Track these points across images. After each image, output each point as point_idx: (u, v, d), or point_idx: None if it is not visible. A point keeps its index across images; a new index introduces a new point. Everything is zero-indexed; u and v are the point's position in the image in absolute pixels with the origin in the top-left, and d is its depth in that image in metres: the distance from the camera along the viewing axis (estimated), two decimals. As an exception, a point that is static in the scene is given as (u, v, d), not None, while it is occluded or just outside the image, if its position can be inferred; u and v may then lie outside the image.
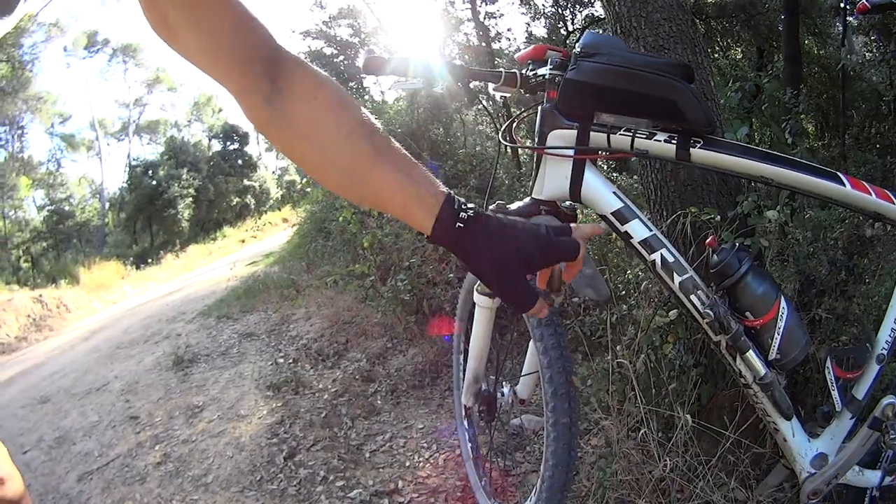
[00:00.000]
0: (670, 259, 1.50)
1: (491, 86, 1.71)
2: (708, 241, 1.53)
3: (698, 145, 1.48)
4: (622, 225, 1.52)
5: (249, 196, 35.22)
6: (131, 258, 23.94)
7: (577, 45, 1.57)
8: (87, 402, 5.08)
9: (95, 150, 35.55)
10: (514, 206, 1.64)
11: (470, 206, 0.94)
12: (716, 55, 12.39)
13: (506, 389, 2.05)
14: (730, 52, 12.54)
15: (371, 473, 3.01)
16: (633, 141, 1.50)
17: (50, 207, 31.65)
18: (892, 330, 1.52)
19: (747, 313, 1.47)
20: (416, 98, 13.71)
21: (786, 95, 3.93)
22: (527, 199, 1.65)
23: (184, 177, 31.97)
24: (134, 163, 35.27)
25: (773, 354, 1.48)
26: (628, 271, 3.02)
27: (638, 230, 1.51)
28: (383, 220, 5.32)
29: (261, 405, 4.06)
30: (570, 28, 12.41)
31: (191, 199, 32.08)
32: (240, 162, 36.42)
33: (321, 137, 0.93)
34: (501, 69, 1.69)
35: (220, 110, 40.01)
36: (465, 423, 2.39)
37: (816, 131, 10.54)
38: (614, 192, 1.54)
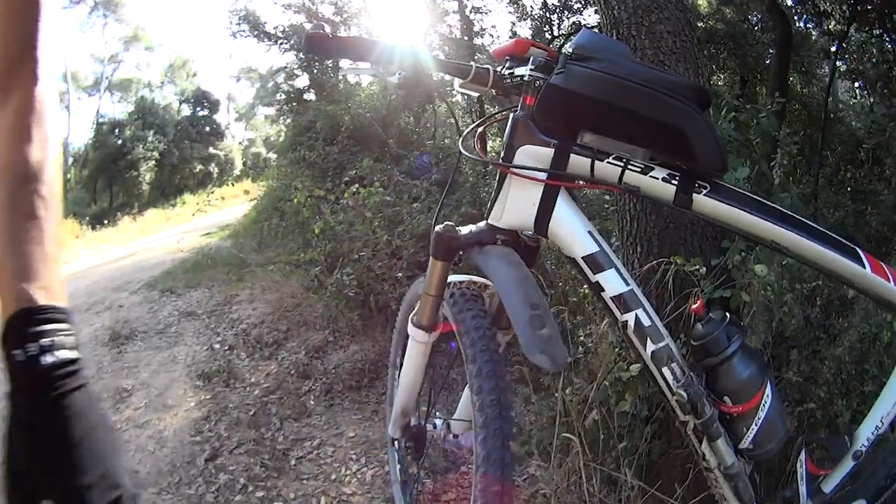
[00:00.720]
0: (646, 323, 1.26)
1: (458, 82, 1.44)
2: (694, 306, 1.28)
3: (704, 191, 1.25)
4: (594, 274, 1.28)
5: (213, 165, 34.82)
6: (88, 217, 23.45)
7: (568, 44, 1.30)
8: None
9: (65, 104, 34.89)
10: (464, 230, 1.40)
11: (59, 354, 0.73)
12: (700, 80, 12.58)
13: (438, 422, 1.83)
14: (713, 77, 12.61)
15: (294, 485, 2.85)
16: (623, 172, 1.26)
17: (14, 156, 31.14)
18: (877, 427, 1.34)
19: (726, 398, 1.26)
20: (389, 88, 13.64)
21: (779, 133, 3.83)
22: (482, 224, 1.41)
23: (150, 139, 31.49)
24: (101, 120, 34.64)
25: (745, 444, 1.28)
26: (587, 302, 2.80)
27: (612, 283, 1.27)
28: (337, 207, 5.23)
29: (189, 396, 3.90)
30: (556, 33, 12.29)
31: (154, 162, 31.66)
32: (207, 129, 35.82)
33: None
34: (472, 63, 1.43)
35: (195, 75, 39.55)
36: (395, 445, 2.15)
37: (789, 166, 10.67)
38: (590, 233, 1.29)
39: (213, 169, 34.78)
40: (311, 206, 5.49)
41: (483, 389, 1.29)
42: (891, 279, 1.25)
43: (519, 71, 1.36)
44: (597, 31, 1.26)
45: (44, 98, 0.88)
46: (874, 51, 6.34)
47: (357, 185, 5.27)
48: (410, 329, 1.58)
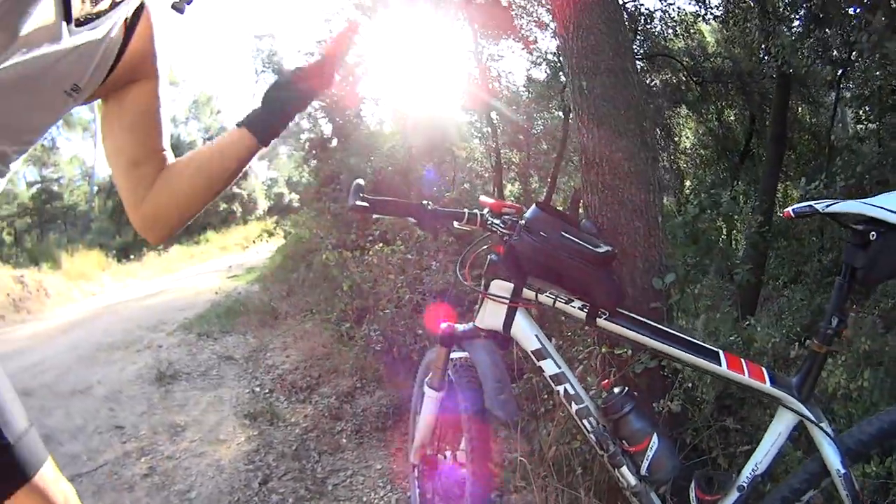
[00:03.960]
0: (571, 391, 1.98)
1: (455, 223, 2.13)
2: (603, 382, 2.04)
3: (604, 317, 1.96)
4: (538, 361, 2.01)
5: (237, 203, 35.05)
6: (114, 249, 23.70)
7: (524, 216, 2.04)
8: (72, 403, 5.31)
9: (91, 132, 35.43)
10: (460, 327, 2.17)
11: None
12: (709, 116, 12.97)
13: (448, 454, 2.54)
14: (723, 115, 13.03)
15: (332, 505, 3.45)
16: (554, 302, 1.99)
17: (39, 185, 31.52)
18: (756, 467, 1.90)
19: (625, 441, 1.95)
20: (411, 135, 13.99)
21: (740, 213, 4.30)
22: (471, 324, 2.16)
23: (174, 175, 31.80)
24: (127, 153, 35.12)
25: (643, 472, 1.93)
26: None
27: (549, 367, 2.00)
28: (363, 265, 5.68)
29: (238, 432, 4.44)
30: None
31: (178, 198, 31.92)
32: (231, 169, 36.05)
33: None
34: (465, 210, 2.12)
35: (219, 112, 39.84)
36: (415, 472, 2.85)
37: (799, 197, 10.90)
38: (536, 335, 2.02)
39: (237, 208, 35.04)
40: (339, 263, 5.98)
41: (472, 430, 2.07)
42: (745, 372, 1.85)
43: (495, 222, 2.08)
44: (542, 209, 1.97)
45: (170, 159, 1.41)
46: (877, 74, 6.62)
47: (381, 244, 5.75)
48: (426, 389, 2.30)
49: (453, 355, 2.25)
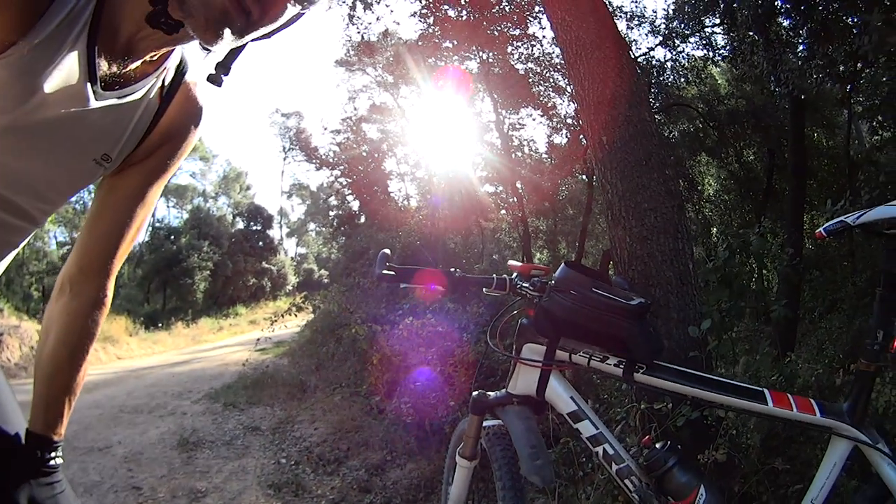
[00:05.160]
0: (611, 452, 1.92)
1: (484, 289, 2.14)
2: (644, 440, 1.98)
3: (641, 371, 1.90)
4: (575, 423, 1.96)
5: (266, 279, 35.50)
6: (141, 316, 23.96)
7: (554, 275, 2.02)
8: (89, 459, 5.29)
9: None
10: (492, 394, 2.13)
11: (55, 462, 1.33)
12: (729, 159, 13.05)
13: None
14: (742, 155, 13.08)
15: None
16: (589, 361, 1.94)
17: (69, 246, 32.05)
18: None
19: (670, 497, 1.87)
20: (439, 209, 14.16)
21: (770, 250, 4.27)
22: (503, 391, 2.13)
23: (204, 249, 32.44)
24: (158, 225, 35.92)
25: None
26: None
27: (586, 428, 1.94)
28: (393, 339, 5.66)
29: (262, 502, 4.35)
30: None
31: (208, 272, 32.40)
32: (261, 244, 36.93)
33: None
34: (494, 276, 2.13)
35: (248, 188, 40.72)
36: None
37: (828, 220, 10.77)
38: (572, 397, 1.97)
39: (266, 283, 35.31)
40: (368, 338, 5.99)
41: (506, 498, 2.01)
42: (793, 407, 1.76)
43: (525, 285, 2.08)
44: (571, 267, 1.96)
45: (108, 295, 1.37)
46: (884, 80, 6.58)
47: (411, 318, 5.76)
48: (458, 459, 2.26)
49: (486, 423, 2.21)
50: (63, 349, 1.34)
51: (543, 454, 1.95)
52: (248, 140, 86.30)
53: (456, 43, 12.77)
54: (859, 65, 8.09)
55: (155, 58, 1.17)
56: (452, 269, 2.09)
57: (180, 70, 1.28)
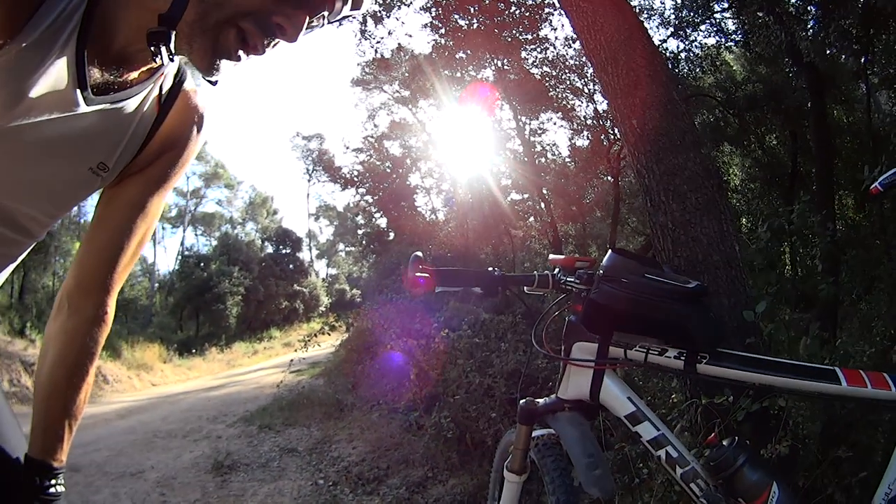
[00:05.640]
0: (674, 454, 1.74)
1: (526, 288, 1.99)
2: (709, 438, 1.79)
3: (704, 361, 1.73)
4: (633, 426, 1.78)
5: (299, 301, 35.47)
6: (175, 343, 24.04)
7: (601, 264, 1.85)
8: (121, 484, 5.23)
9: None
10: (541, 401, 1.96)
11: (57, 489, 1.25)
12: (752, 146, 12.76)
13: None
14: (765, 140, 12.82)
15: None
16: (646, 356, 1.77)
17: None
18: (889, 489, 1.60)
19: (740, 499, 1.67)
20: (467, 220, 14.13)
21: (813, 225, 4.13)
22: (553, 397, 1.95)
23: (235, 274, 32.46)
24: (187, 253, 36.57)
25: None
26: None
27: (647, 431, 1.77)
28: (430, 353, 5.56)
29: None
30: (612, 137, 12.66)
31: (240, 297, 32.43)
32: (291, 266, 36.97)
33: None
34: (535, 273, 1.99)
35: (275, 212, 41.18)
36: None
37: (856, 203, 10.57)
38: (629, 398, 1.80)
39: (299, 305, 35.38)
40: (405, 351, 5.90)
41: None
42: (867, 384, 1.59)
43: (569, 280, 1.93)
44: (619, 254, 1.80)
45: (108, 312, 1.31)
46: None
47: (447, 330, 5.68)
48: (506, 473, 2.09)
49: (535, 433, 2.03)
50: (61, 369, 1.28)
51: (602, 463, 1.78)
52: (272, 165, 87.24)
53: (470, 53, 12.70)
54: (871, 31, 7.91)
55: (152, 64, 1.15)
56: (491, 269, 1.94)
57: (178, 77, 1.27)
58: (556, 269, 2.01)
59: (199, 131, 1.32)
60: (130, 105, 1.14)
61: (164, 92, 1.23)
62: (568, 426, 1.89)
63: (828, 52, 7.55)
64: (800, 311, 4.59)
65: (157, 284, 36.04)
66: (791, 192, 11.44)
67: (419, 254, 1.90)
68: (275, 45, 1.06)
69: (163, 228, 38.66)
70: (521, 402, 1.98)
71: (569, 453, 1.85)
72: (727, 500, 1.70)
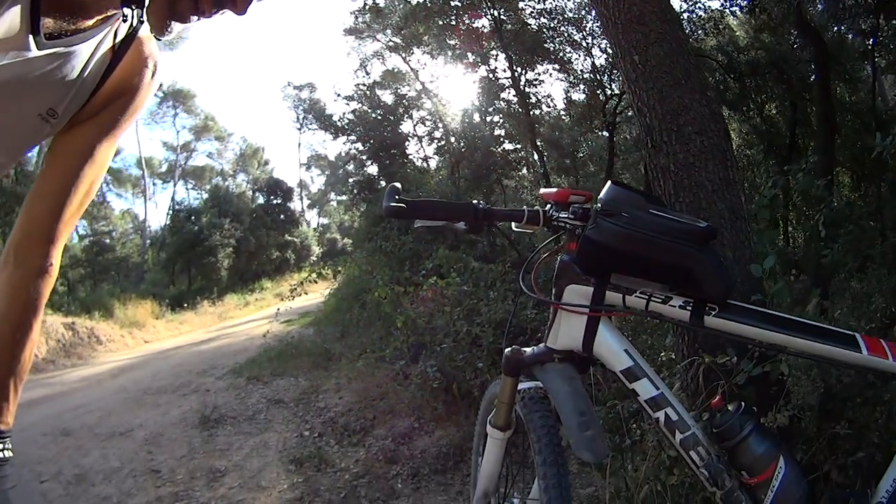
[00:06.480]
0: (674, 417, 1.55)
1: (514, 225, 1.79)
2: (714, 401, 1.60)
3: (713, 313, 1.53)
4: (630, 383, 1.59)
5: (290, 251, 35.23)
6: (167, 299, 23.88)
7: (599, 197, 1.64)
8: (110, 444, 5.17)
9: (140, 188, 36.37)
10: (528, 350, 1.75)
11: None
12: (751, 113, 12.67)
13: (515, 501, 2.12)
14: (765, 108, 12.72)
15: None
16: (647, 303, 1.57)
17: (91, 238, 32.22)
18: (888, 492, 1.48)
19: (744, 472, 1.51)
20: (458, 167, 13.95)
21: (818, 189, 4.00)
22: (542, 346, 1.75)
23: (226, 226, 32.05)
24: (178, 207, 36.17)
25: None
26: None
27: (645, 389, 1.57)
28: (417, 300, 5.43)
29: (282, 478, 4.16)
30: (609, 92, 12.54)
31: (231, 249, 32.12)
32: (282, 217, 36.70)
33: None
34: (525, 208, 1.77)
35: (266, 163, 40.75)
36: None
37: (852, 182, 10.51)
38: (626, 350, 1.60)
39: (290, 255, 35.22)
40: (391, 300, 5.77)
41: (548, 475, 1.61)
42: (889, 356, 1.42)
43: (562, 216, 1.71)
44: (620, 186, 1.56)
45: (53, 263, 1.28)
46: None
47: (435, 277, 5.54)
48: (489, 429, 1.89)
49: (521, 386, 1.81)
50: (5, 325, 1.24)
51: (594, 424, 1.56)
52: (263, 116, 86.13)
53: (465, 1, 12.37)
54: (882, 16, 7.84)
55: (108, 13, 1.16)
56: (475, 202, 1.72)
57: (133, 25, 1.25)
58: (549, 205, 1.79)
59: (152, 78, 1.31)
60: (84, 51, 1.14)
61: (118, 40, 1.22)
62: (557, 380, 1.67)
63: (835, 27, 7.38)
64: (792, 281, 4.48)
65: (148, 241, 35.81)
66: (788, 162, 11.41)
67: (397, 185, 1.71)
68: (222, 13, 1.09)
69: (153, 184, 38.43)
70: (506, 351, 1.75)
71: (558, 410, 1.64)
72: (729, 472, 1.53)
